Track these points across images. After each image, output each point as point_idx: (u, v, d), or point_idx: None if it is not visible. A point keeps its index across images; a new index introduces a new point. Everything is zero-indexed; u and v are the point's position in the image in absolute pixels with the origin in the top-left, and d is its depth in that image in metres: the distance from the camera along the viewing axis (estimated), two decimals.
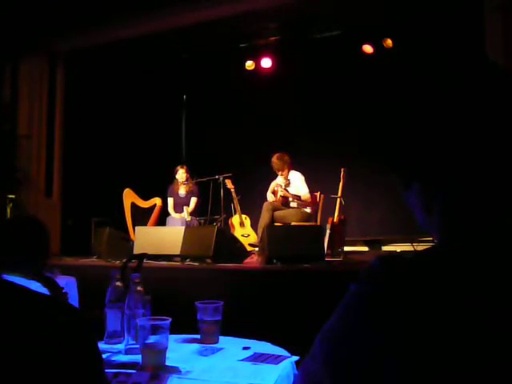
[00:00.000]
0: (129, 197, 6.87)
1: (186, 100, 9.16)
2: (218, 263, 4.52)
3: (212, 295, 2.06)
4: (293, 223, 5.87)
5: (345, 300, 0.70)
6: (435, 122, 0.72)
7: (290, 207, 6.19)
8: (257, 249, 5.60)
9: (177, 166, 7.05)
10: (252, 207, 6.63)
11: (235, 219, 6.73)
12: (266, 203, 6.10)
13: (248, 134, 8.03)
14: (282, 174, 6.25)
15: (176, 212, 6.87)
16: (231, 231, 6.51)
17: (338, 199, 5.82)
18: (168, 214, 6.90)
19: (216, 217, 6.86)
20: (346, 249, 5.75)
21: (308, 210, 6.16)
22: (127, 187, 6.89)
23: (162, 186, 7.04)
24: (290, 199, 6.21)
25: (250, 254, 5.52)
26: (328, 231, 5.52)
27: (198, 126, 8.79)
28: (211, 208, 6.78)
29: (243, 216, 6.73)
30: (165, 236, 5.37)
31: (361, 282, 0.69)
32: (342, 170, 5.95)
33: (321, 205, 6.23)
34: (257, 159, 6.92)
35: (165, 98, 8.45)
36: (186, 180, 6.93)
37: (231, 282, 3.99)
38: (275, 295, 3.81)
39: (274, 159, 6.18)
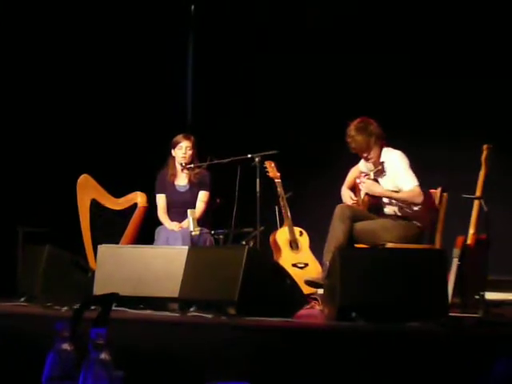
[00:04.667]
0: (87, 189, 6.93)
1: (195, 14, 9.17)
2: (249, 316, 4.57)
3: (235, 372, 2.30)
4: (389, 245, 5.84)
5: None
6: None
7: (383, 215, 6.19)
8: (320, 291, 5.61)
9: (176, 134, 7.05)
10: (312, 214, 6.76)
11: (282, 235, 6.78)
12: (339, 207, 6.05)
13: (306, 83, 8.09)
14: (367, 158, 6.21)
15: (172, 219, 6.89)
16: (274, 257, 6.57)
17: (476, 202, 5.75)
18: (158, 223, 6.94)
19: (247, 229, 6.83)
20: (490, 296, 5.66)
21: (417, 221, 6.11)
22: (84, 173, 6.93)
23: (148, 172, 7.15)
24: (385, 200, 6.17)
25: (307, 299, 5.57)
26: (455, 262, 5.52)
27: (214, 66, 8.82)
28: (237, 212, 6.71)
29: (297, 229, 6.76)
30: (151, 263, 5.44)
31: None
32: (485, 147, 5.87)
33: (442, 212, 6.17)
34: (321, 129, 7.02)
35: (156, 12, 8.49)
36: (191, 161, 6.91)
37: (271, 349, 3.95)
38: (353, 376, 3.75)
39: (352, 131, 6.14)
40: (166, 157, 7.05)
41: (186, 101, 9.23)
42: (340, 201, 6.26)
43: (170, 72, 8.94)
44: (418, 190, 6.02)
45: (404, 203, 6.11)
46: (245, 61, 8.40)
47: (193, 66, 9.28)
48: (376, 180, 6.14)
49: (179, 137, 6.99)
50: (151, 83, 8.45)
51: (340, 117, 6.42)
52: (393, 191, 6.10)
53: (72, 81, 7.88)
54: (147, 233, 6.90)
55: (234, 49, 8.55)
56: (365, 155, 6.18)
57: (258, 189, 6.73)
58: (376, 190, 6.13)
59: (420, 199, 6.03)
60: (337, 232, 5.87)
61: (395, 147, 6.27)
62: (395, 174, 6.11)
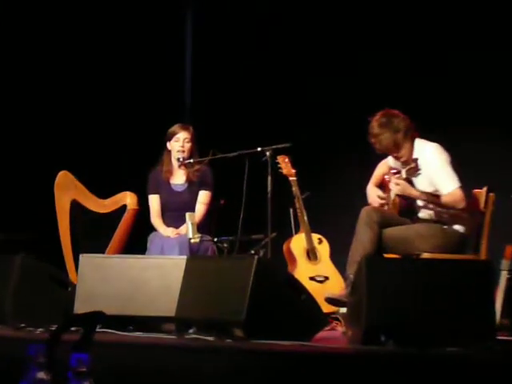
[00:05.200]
0: (67, 189, 6.93)
1: None
2: (258, 339, 4.52)
3: None
4: (425, 254, 5.79)
5: None
6: None
7: (417, 218, 6.13)
8: (343, 309, 5.57)
9: (173, 124, 7.02)
10: (334, 217, 6.79)
11: (297, 242, 6.74)
12: (365, 210, 6.02)
13: (325, 66, 8.06)
14: (398, 157, 6.19)
15: (168, 224, 6.86)
16: (289, 269, 6.54)
17: None
18: (150, 229, 6.93)
19: (256, 236, 6.78)
20: None
21: (458, 226, 6.04)
22: (64, 170, 6.93)
23: (139, 169, 7.18)
24: (419, 203, 6.11)
25: (327, 319, 5.56)
26: (504, 275, 5.52)
27: (217, 47, 8.83)
28: (244, 216, 6.65)
29: (315, 236, 6.72)
30: (143, 276, 5.41)
31: None
32: None
33: (488, 216, 6.08)
34: (343, 118, 7.08)
35: None
36: (190, 156, 6.87)
37: (284, 379, 3.93)
38: None
39: (375, 129, 6.09)
40: (160, 151, 7.02)
41: (184, 86, 9.23)
42: (366, 202, 6.21)
43: (165, 52, 8.96)
44: (459, 193, 5.97)
45: (443, 206, 6.05)
46: (250, 40, 8.46)
47: (192, 45, 9.28)
48: (408, 179, 6.06)
49: (176, 127, 6.95)
50: (143, 63, 8.53)
51: (366, 105, 6.48)
52: (431, 194, 6.03)
53: (49, 66, 7.95)
54: (138, 240, 6.89)
55: (238, 27, 8.61)
56: (395, 155, 6.14)
57: (269, 188, 6.66)
58: (412, 192, 6.06)
59: (462, 204, 5.99)
60: (363, 239, 5.83)
61: (434, 140, 6.19)
62: (431, 173, 6.07)
